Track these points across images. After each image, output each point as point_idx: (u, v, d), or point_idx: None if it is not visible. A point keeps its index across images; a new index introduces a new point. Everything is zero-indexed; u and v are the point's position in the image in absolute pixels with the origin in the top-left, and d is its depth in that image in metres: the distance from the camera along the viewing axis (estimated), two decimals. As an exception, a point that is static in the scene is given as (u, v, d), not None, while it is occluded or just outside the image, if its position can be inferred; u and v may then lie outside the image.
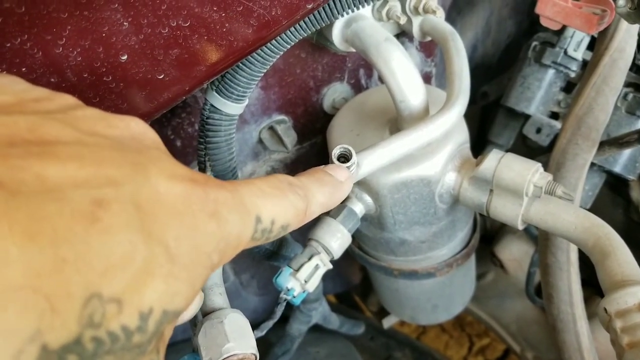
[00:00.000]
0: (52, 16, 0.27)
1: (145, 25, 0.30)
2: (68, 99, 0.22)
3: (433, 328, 1.47)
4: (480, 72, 0.91)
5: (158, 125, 0.53)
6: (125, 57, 0.30)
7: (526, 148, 0.78)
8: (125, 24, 0.29)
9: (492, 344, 1.39)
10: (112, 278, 0.16)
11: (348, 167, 0.38)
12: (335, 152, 0.38)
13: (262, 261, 0.59)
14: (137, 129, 0.22)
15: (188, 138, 0.56)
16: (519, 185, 0.43)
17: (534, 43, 0.73)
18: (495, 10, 0.87)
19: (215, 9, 0.31)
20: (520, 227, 0.45)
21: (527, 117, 0.74)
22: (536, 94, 0.71)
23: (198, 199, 0.21)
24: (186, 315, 0.27)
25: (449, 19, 0.74)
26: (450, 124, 0.42)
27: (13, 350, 0.14)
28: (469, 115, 0.90)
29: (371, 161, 0.41)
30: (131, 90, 0.32)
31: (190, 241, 0.20)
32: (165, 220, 0.19)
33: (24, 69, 0.28)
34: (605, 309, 0.35)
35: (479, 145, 0.90)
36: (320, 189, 0.28)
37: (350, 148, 0.38)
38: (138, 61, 0.31)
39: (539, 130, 0.71)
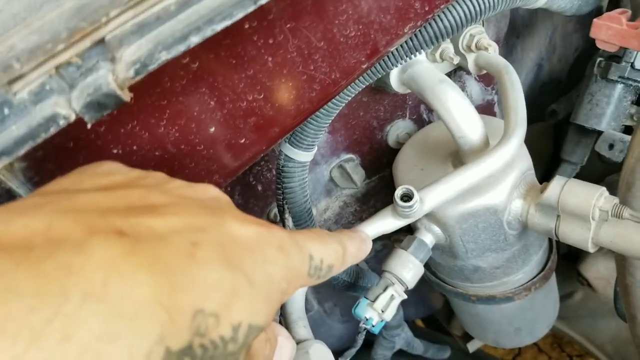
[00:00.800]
0: (154, 104, 0.33)
1: (227, 102, 0.35)
2: (160, 175, 0.29)
3: (529, 349, 1.41)
4: (549, 89, 0.91)
5: (242, 173, 0.59)
6: (213, 129, 0.36)
7: (602, 164, 0.77)
8: (211, 103, 0.35)
9: (594, 364, 1.32)
10: (210, 298, 0.21)
11: (411, 206, 0.41)
12: (397, 192, 0.41)
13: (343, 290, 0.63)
14: (214, 192, 0.29)
15: (267, 182, 0.61)
16: (584, 211, 0.44)
17: (599, 59, 0.72)
18: (559, 27, 0.87)
19: (283, 80, 0.36)
20: (592, 250, 0.46)
21: (599, 133, 0.73)
22: (606, 110, 0.71)
23: (265, 237, 0.26)
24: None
25: (508, 44, 0.76)
26: (508, 157, 0.44)
27: (146, 349, 0.18)
28: (541, 133, 0.89)
29: (434, 197, 0.44)
30: (219, 154, 0.38)
31: (263, 270, 0.24)
32: (242, 254, 0.24)
33: (134, 147, 0.35)
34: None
35: (555, 163, 0.89)
36: (350, 241, 0.34)
37: (412, 188, 0.41)
38: (223, 131, 0.37)
39: (611, 147, 0.70)
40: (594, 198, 0.43)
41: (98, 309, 0.18)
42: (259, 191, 0.62)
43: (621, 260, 0.55)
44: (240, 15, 0.24)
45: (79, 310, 0.17)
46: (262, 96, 0.36)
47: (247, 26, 0.32)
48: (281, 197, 0.53)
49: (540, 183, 0.51)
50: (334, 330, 0.86)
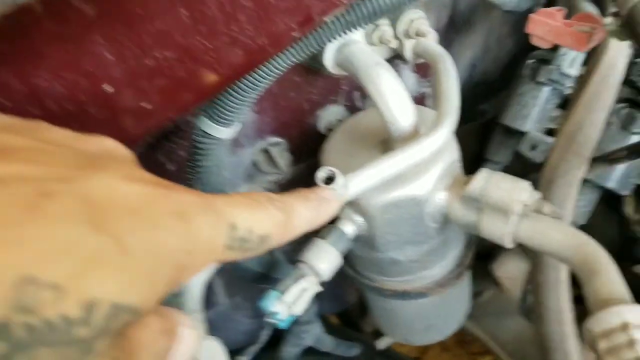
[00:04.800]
0: (34, 50, 0.28)
1: (129, 57, 0.30)
2: (41, 123, 0.22)
3: (434, 346, 1.45)
4: (482, 90, 0.92)
5: (151, 149, 0.53)
6: (109, 89, 0.31)
7: (521, 165, 0.78)
8: (108, 56, 0.29)
9: (495, 363, 1.38)
10: (51, 263, 0.15)
11: (334, 189, 0.38)
12: (319, 174, 0.37)
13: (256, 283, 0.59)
14: (110, 145, 0.22)
15: (182, 162, 0.56)
16: (506, 204, 0.43)
17: (530, 61, 0.73)
18: (495, 29, 0.88)
19: (199, 39, 0.32)
20: (509, 245, 0.45)
21: (523, 134, 0.74)
22: (532, 111, 0.72)
23: (159, 198, 0.20)
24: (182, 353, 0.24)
25: (447, 38, 0.75)
26: (438, 144, 0.42)
27: None
28: (469, 133, 0.90)
29: (359, 182, 0.41)
30: (116, 119, 0.33)
31: (148, 236, 0.19)
32: (118, 215, 0.18)
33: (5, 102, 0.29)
34: (589, 329, 0.34)
35: (479, 163, 0.90)
36: (303, 204, 0.28)
37: (335, 170, 0.38)
38: (123, 92, 0.31)
39: (534, 147, 0.71)
40: (517, 191, 0.42)
41: None
42: (172, 171, 0.56)
43: (535, 259, 0.55)
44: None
45: None
46: (172, 55, 0.32)
47: (156, -33, 0.28)
48: (193, 177, 0.48)
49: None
50: (242, 325, 0.80)
